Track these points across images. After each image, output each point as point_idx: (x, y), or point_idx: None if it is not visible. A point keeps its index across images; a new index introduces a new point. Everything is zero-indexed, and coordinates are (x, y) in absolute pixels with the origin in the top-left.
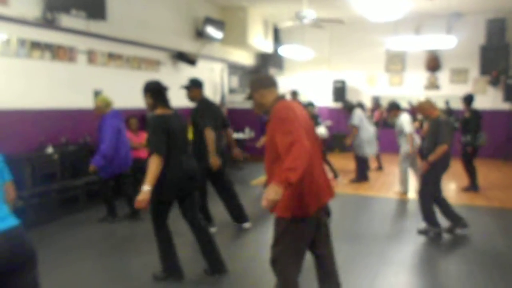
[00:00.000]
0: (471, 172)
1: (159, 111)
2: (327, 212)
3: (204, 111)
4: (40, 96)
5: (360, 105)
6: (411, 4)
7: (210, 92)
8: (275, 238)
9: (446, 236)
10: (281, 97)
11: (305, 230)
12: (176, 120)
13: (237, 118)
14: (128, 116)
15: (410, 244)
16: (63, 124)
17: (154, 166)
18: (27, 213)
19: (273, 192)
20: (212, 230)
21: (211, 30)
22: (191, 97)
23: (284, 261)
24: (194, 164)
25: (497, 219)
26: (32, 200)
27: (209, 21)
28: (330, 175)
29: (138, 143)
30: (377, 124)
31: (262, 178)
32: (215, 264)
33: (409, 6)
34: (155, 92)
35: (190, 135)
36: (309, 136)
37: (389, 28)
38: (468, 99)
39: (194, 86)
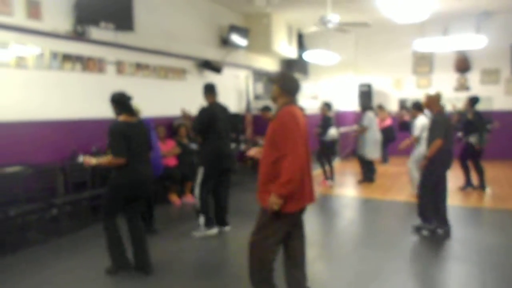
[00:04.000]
0: (479, 172)
1: (122, 118)
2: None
3: (201, 115)
4: (72, 106)
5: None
6: (438, 4)
7: (236, 99)
8: (257, 227)
9: (467, 240)
10: (292, 102)
11: (285, 223)
12: (136, 127)
13: (262, 124)
14: (156, 125)
15: (437, 247)
16: (94, 133)
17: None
18: (61, 220)
19: (274, 204)
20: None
21: (235, 38)
22: (206, 101)
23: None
24: (150, 171)
25: None
26: (65, 208)
27: (233, 28)
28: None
29: (166, 151)
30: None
31: None
32: (140, 261)
33: (436, 7)
34: (120, 102)
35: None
36: (303, 143)
37: (416, 30)
38: (473, 101)
39: (204, 91)
